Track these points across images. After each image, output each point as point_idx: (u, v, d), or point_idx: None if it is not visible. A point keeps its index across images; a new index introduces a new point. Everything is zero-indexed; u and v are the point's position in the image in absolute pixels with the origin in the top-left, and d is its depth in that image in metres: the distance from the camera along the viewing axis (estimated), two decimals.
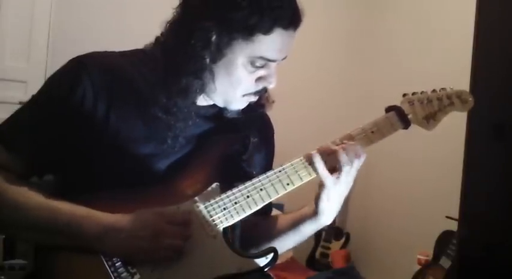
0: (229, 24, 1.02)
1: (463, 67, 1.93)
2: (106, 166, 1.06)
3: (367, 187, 3.27)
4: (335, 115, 3.46)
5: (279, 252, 1.04)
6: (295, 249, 3.01)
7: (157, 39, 1.12)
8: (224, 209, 1.06)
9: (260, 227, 1.25)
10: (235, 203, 1.06)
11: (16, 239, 1.87)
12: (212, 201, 1.06)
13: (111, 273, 0.97)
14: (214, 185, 1.08)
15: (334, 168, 1.09)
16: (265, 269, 1.02)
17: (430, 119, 1.17)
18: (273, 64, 1.09)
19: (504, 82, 1.79)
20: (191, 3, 1.07)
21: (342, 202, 1.13)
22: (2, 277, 1.80)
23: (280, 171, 1.09)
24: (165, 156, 1.10)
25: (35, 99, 1.09)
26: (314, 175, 1.10)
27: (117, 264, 0.98)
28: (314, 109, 3.55)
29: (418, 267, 2.64)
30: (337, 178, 1.08)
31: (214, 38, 1.03)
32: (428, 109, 1.17)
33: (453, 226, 2.28)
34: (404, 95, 1.18)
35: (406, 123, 1.16)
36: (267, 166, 1.24)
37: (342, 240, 3.40)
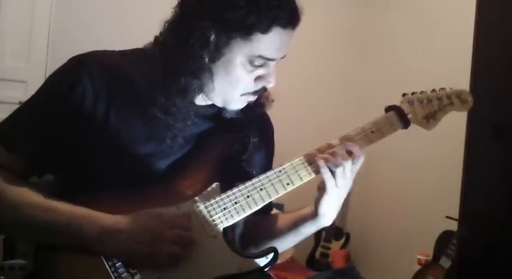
0: (227, 24, 1.02)
1: (463, 67, 1.92)
2: (106, 165, 1.06)
3: (367, 187, 3.27)
4: (334, 114, 3.46)
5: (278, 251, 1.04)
6: (295, 249, 3.03)
7: (156, 38, 1.12)
8: (224, 209, 1.06)
9: (260, 226, 1.25)
10: (236, 203, 1.06)
11: (16, 239, 1.86)
12: (212, 201, 1.06)
13: (111, 273, 0.97)
14: (214, 185, 1.08)
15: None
16: (266, 269, 1.02)
17: (429, 119, 1.17)
18: (271, 63, 1.09)
19: (504, 82, 1.79)
20: (189, 2, 1.07)
21: (341, 203, 1.14)
22: (2, 277, 1.80)
23: (280, 171, 1.10)
24: (165, 156, 1.10)
25: (34, 98, 1.09)
26: (314, 175, 1.10)
27: (117, 265, 0.98)
28: (313, 108, 3.55)
29: (418, 267, 2.64)
30: (335, 181, 1.08)
31: (212, 37, 1.03)
32: (428, 108, 1.17)
33: (453, 226, 2.28)
34: (403, 95, 1.18)
35: (405, 123, 1.16)
36: (267, 166, 1.25)
37: (342, 240, 3.40)
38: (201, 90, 1.09)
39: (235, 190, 1.07)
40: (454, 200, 1.91)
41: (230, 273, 1.01)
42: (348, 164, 1.08)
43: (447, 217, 2.41)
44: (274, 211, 1.33)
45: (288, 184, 1.09)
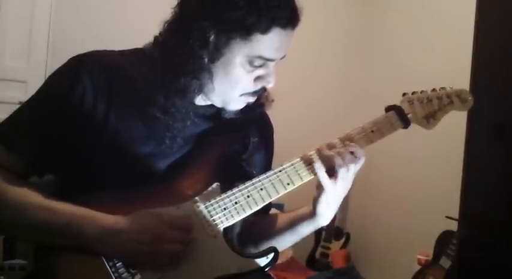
0: (227, 24, 1.02)
1: (463, 67, 1.92)
2: (106, 165, 1.06)
3: (367, 187, 3.27)
4: (334, 114, 3.47)
5: None
6: (295, 249, 3.04)
7: (156, 38, 1.12)
8: (224, 209, 1.06)
9: (258, 225, 1.25)
10: (236, 203, 1.06)
11: (16, 240, 1.86)
12: (212, 201, 1.06)
13: (111, 274, 0.97)
14: (214, 185, 1.08)
15: (331, 168, 1.09)
16: (266, 269, 1.02)
17: (430, 118, 1.17)
18: (271, 64, 1.09)
19: (504, 82, 1.79)
20: (189, 3, 1.07)
21: (340, 203, 1.14)
22: (2, 277, 1.80)
23: (280, 171, 1.10)
24: (165, 156, 1.10)
25: (34, 98, 1.09)
26: (313, 175, 1.10)
27: (117, 265, 0.98)
28: (313, 108, 3.55)
29: (418, 267, 2.64)
30: (335, 181, 1.08)
31: (212, 37, 1.03)
32: (428, 108, 1.17)
33: (453, 226, 2.28)
34: (404, 94, 1.18)
35: (405, 122, 1.16)
36: (267, 166, 1.25)
37: (342, 240, 3.40)
38: (200, 90, 1.09)
39: (235, 190, 1.07)
40: (454, 200, 1.91)
41: (230, 273, 1.01)
42: (352, 165, 1.08)
43: (447, 217, 2.42)
44: (274, 211, 1.33)
45: (288, 183, 1.09)
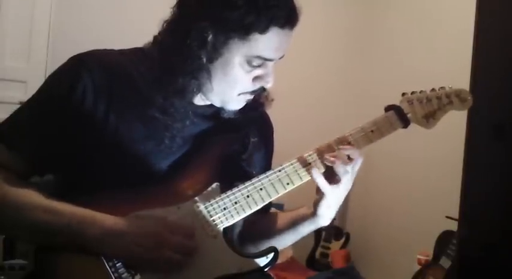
0: (225, 24, 1.02)
1: (463, 67, 1.92)
2: (106, 165, 1.06)
3: (367, 187, 3.27)
4: (334, 114, 3.47)
5: None
6: (295, 249, 3.04)
7: (155, 38, 1.12)
8: (224, 209, 1.06)
9: (258, 225, 1.25)
10: (236, 203, 1.06)
11: (16, 240, 1.86)
12: (212, 201, 1.06)
13: (111, 274, 0.97)
14: (214, 185, 1.08)
15: (330, 168, 1.09)
16: (266, 269, 1.02)
17: (429, 118, 1.17)
18: (270, 64, 1.09)
19: (504, 82, 1.79)
20: (187, 2, 1.07)
21: (340, 203, 1.13)
22: (2, 277, 1.80)
23: (280, 171, 1.09)
24: (164, 156, 1.10)
25: (35, 97, 1.09)
26: None
27: (117, 265, 0.98)
28: (313, 108, 3.55)
29: (418, 267, 2.64)
30: (334, 186, 1.08)
31: (210, 37, 1.03)
32: (427, 108, 1.17)
33: (453, 226, 2.28)
34: (403, 94, 1.18)
35: (405, 122, 1.16)
36: (267, 166, 1.25)
37: (342, 240, 3.40)
38: (199, 90, 1.09)
39: (235, 190, 1.07)
40: (454, 200, 1.91)
41: (230, 273, 1.01)
42: (350, 167, 1.07)
43: (447, 217, 2.41)
44: (273, 210, 1.33)
45: (288, 183, 1.09)
